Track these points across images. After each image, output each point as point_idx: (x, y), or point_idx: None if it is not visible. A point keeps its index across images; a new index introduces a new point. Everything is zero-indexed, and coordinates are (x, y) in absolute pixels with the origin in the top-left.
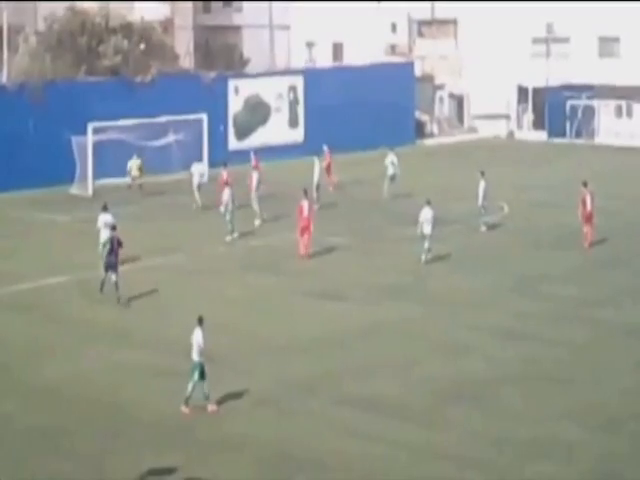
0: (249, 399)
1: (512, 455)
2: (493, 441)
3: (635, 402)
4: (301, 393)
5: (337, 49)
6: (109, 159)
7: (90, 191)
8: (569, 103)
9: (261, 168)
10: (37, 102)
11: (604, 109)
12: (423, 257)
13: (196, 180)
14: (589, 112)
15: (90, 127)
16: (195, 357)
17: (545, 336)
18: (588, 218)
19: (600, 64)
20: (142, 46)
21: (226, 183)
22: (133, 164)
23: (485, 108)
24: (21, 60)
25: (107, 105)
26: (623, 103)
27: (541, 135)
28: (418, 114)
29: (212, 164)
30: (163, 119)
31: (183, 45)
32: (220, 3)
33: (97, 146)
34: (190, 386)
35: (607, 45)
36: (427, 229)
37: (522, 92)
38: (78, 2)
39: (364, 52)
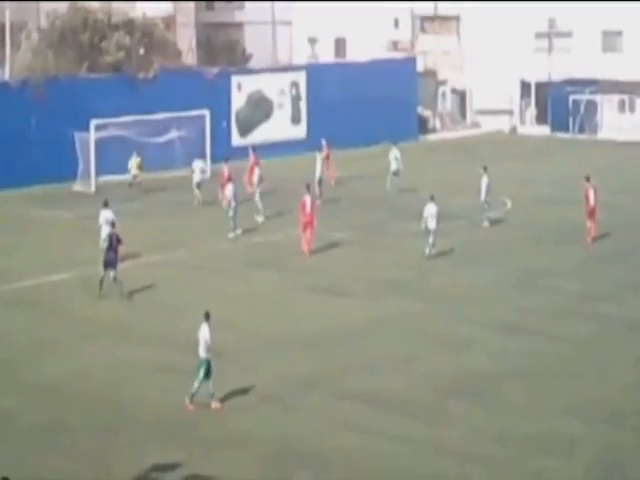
0: (253, 395)
1: (514, 450)
2: (495, 436)
3: (638, 397)
4: (304, 389)
5: (339, 45)
6: (112, 156)
7: (93, 188)
8: (572, 98)
9: (261, 164)
10: (39, 99)
11: (607, 104)
12: (427, 251)
13: (197, 177)
14: (592, 107)
15: (92, 124)
16: (202, 353)
17: (548, 331)
18: (591, 213)
19: (603, 59)
20: (141, 51)
21: (229, 179)
22: (133, 162)
23: (488, 103)
24: (23, 57)
25: (109, 102)
26: (626, 98)
27: (544, 130)
28: (421, 109)
29: (215, 160)
30: (166, 115)
31: (185, 42)
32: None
33: (99, 143)
34: (196, 384)
35: (610, 40)
36: (432, 224)
37: (525, 87)
38: None
39: (366, 48)
